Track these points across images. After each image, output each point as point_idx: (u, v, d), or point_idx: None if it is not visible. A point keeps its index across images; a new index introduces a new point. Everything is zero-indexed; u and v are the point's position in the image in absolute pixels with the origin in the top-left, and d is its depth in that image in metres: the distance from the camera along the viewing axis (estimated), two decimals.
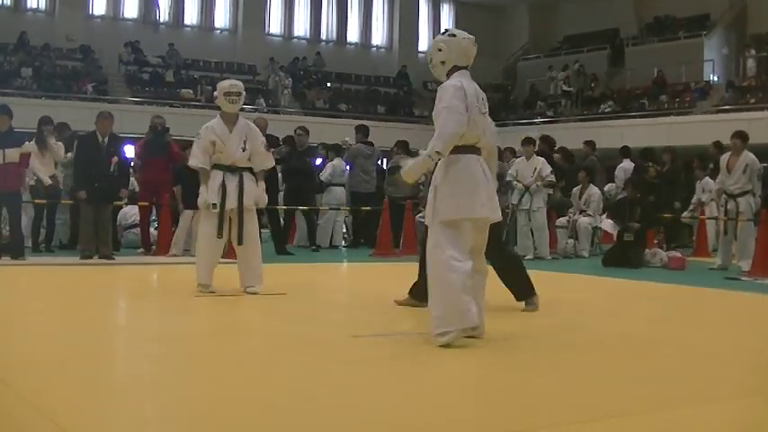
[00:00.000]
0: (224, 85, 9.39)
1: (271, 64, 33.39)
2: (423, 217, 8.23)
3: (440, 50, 6.41)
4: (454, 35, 6.45)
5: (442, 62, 6.41)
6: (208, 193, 8.99)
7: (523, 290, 8.32)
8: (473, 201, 6.14)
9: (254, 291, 9.04)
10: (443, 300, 5.98)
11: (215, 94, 9.36)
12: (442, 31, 6.63)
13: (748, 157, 13.52)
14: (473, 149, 6.26)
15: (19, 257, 12.11)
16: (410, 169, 6.37)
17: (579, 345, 6.51)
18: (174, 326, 7.27)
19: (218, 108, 9.35)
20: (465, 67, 6.44)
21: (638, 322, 7.96)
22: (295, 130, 16.38)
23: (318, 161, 18.02)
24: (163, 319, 7.84)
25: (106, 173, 12.81)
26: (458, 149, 6.17)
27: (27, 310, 8.07)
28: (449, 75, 6.39)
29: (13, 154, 12.14)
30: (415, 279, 8.15)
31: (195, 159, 9.13)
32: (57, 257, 13.04)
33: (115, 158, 13.05)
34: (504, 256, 8.49)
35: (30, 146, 12.55)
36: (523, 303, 8.27)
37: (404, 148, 17.11)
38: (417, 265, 8.16)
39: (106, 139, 12.94)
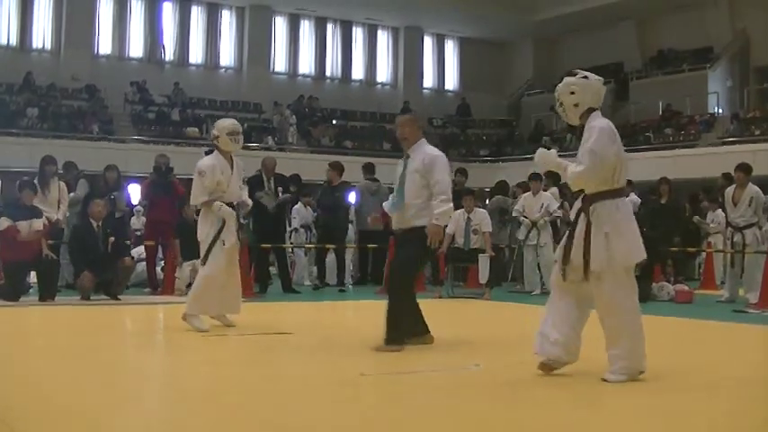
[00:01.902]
0: (226, 124, 9.46)
1: (276, 107, 33.38)
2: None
3: (572, 93, 6.42)
4: (586, 77, 6.45)
5: (576, 104, 6.40)
6: (222, 231, 9.14)
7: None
8: (640, 244, 6.36)
9: (231, 322, 9.39)
10: (633, 343, 6.21)
11: (214, 132, 9.41)
12: (573, 73, 6.59)
13: (753, 189, 13.55)
14: (624, 191, 6.44)
15: (48, 299, 12.33)
16: (546, 159, 6.49)
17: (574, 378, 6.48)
18: (180, 366, 7.26)
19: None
20: (597, 109, 6.45)
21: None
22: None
23: (353, 196, 17.63)
24: (169, 359, 7.83)
25: (104, 260, 12.95)
26: (618, 192, 6.32)
27: (32, 350, 8.05)
28: (581, 117, 6.41)
29: (37, 223, 12.63)
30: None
31: (200, 198, 9.21)
32: (62, 297, 12.99)
33: (112, 239, 13.13)
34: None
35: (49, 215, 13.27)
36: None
37: None
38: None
39: (100, 224, 13.01)
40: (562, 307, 6.43)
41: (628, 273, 6.32)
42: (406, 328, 7.96)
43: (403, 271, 8.17)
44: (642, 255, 6.36)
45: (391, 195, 8.33)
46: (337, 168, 15.82)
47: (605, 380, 6.14)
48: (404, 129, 8.26)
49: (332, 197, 15.75)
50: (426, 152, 8.09)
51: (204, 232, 9.20)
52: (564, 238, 6.57)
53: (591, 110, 6.40)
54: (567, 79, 6.51)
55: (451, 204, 7.97)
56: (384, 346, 7.77)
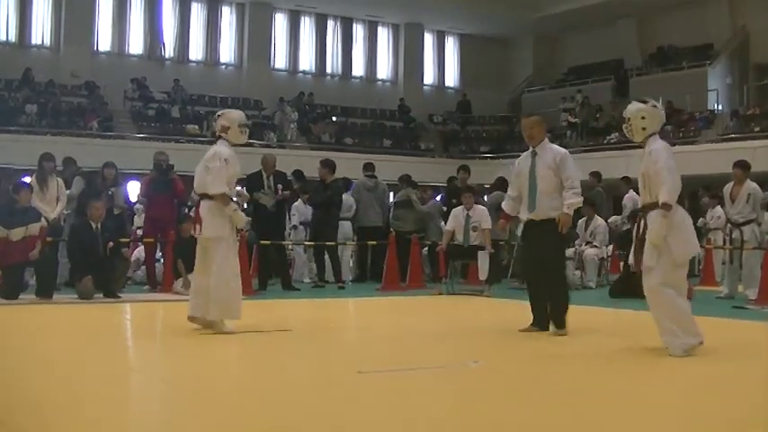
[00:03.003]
0: (235, 116, 9.18)
1: (280, 103, 33.28)
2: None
3: (643, 118, 7.71)
4: (656, 106, 7.81)
5: (644, 128, 7.71)
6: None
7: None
8: (695, 240, 7.74)
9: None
10: (686, 323, 7.45)
11: (224, 123, 9.03)
12: (642, 100, 7.92)
13: (750, 185, 13.57)
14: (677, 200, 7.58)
15: (46, 297, 12.32)
16: (658, 232, 7.41)
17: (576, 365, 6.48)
18: (180, 365, 7.26)
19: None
20: (657, 133, 7.75)
21: (644, 354, 7.92)
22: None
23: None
24: (168, 357, 7.82)
25: (103, 261, 12.93)
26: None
27: (31, 349, 8.04)
28: (645, 139, 7.72)
29: (33, 228, 12.60)
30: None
31: (221, 186, 8.82)
32: (61, 295, 12.95)
33: (111, 243, 13.07)
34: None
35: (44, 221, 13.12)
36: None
37: (408, 182, 17.12)
38: (531, 294, 9.25)
39: (99, 225, 12.97)
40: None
41: (681, 266, 7.59)
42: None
43: (556, 265, 9.28)
44: (696, 249, 7.92)
45: (509, 192, 9.59)
46: (328, 166, 15.68)
47: (671, 355, 7.28)
48: (533, 130, 9.29)
49: (323, 195, 15.71)
50: (555, 150, 9.19)
51: (221, 225, 8.82)
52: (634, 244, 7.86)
53: (654, 134, 7.71)
54: (638, 105, 7.80)
55: (582, 198, 8.98)
56: (558, 330, 8.76)
